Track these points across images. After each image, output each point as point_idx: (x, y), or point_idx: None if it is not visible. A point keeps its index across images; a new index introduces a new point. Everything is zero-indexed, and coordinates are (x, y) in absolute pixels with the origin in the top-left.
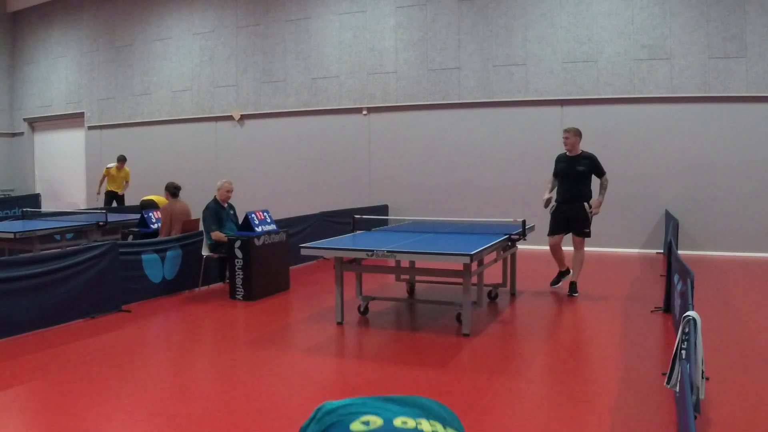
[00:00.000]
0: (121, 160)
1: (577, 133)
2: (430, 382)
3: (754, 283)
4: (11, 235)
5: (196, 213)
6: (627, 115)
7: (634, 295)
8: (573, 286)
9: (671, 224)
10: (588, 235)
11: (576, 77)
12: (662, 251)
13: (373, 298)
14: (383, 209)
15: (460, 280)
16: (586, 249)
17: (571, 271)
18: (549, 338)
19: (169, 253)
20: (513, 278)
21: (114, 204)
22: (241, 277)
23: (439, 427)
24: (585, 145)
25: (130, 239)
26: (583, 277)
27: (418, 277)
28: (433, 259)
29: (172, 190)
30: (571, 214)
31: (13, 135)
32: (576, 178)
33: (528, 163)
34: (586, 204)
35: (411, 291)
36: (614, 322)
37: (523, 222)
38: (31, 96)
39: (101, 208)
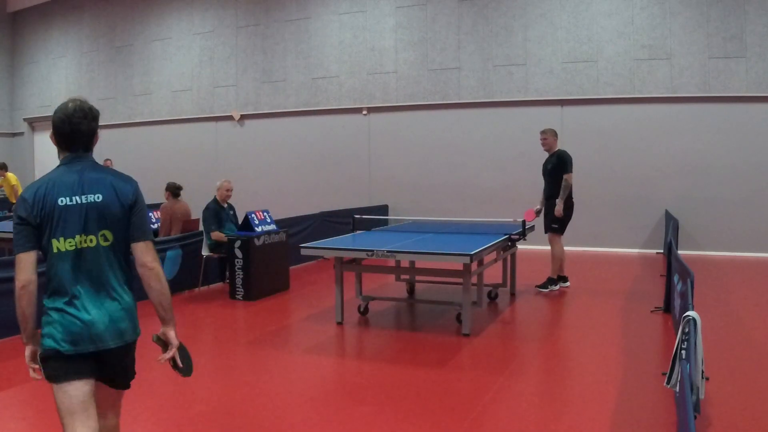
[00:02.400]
0: (1, 167)
1: (554, 133)
2: (430, 382)
3: (754, 283)
4: (11, 235)
5: (196, 213)
6: (627, 115)
7: (634, 295)
8: (546, 282)
9: (671, 224)
10: (554, 230)
11: (576, 77)
12: (662, 251)
13: (373, 298)
14: (383, 209)
15: (460, 280)
16: (591, 248)
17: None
18: (549, 338)
19: (169, 253)
20: (513, 278)
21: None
22: (241, 277)
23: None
24: (586, 145)
25: None
26: (584, 277)
27: (418, 277)
28: (433, 259)
29: (173, 190)
30: (545, 210)
31: (13, 135)
32: (547, 176)
33: (528, 163)
34: (556, 201)
35: (411, 291)
36: (614, 322)
37: (523, 222)
38: (31, 96)
39: None
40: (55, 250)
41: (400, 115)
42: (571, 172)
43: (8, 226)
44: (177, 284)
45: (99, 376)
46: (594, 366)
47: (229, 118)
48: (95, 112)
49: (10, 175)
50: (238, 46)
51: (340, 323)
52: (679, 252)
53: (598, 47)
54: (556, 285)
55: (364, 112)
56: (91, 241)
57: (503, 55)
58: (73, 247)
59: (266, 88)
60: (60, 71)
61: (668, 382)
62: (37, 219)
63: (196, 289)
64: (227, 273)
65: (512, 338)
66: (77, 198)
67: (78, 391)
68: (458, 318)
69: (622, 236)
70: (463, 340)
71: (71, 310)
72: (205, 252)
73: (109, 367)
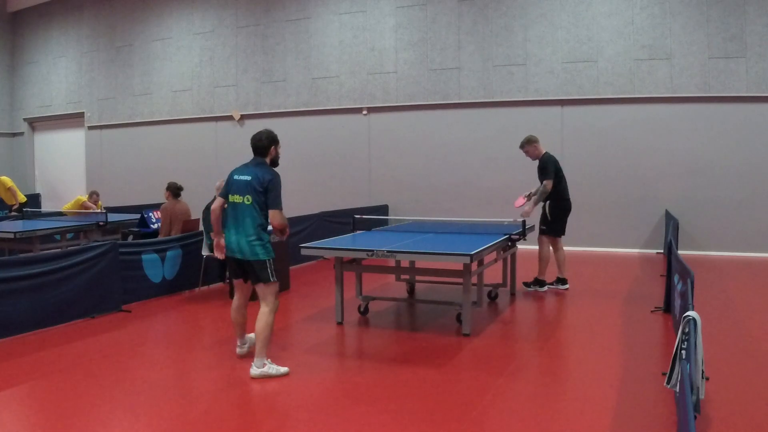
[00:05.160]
0: None
1: (530, 142)
2: (430, 382)
3: (754, 283)
4: (11, 235)
5: (196, 213)
6: (627, 115)
7: (634, 295)
8: (533, 281)
9: (671, 224)
10: (544, 232)
11: (576, 77)
12: (662, 251)
13: (373, 298)
14: (383, 209)
15: (460, 280)
16: (591, 248)
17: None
18: (549, 338)
19: (169, 253)
20: (513, 278)
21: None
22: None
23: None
24: (586, 145)
25: (130, 239)
26: (584, 277)
27: (418, 277)
28: (433, 259)
29: (174, 191)
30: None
31: (13, 135)
32: (539, 180)
33: (528, 163)
34: (547, 203)
35: (411, 291)
36: (614, 322)
37: (523, 222)
38: (31, 96)
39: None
40: (230, 200)
41: (400, 115)
42: (551, 178)
43: (8, 226)
44: (177, 284)
45: (246, 276)
46: (594, 366)
47: (229, 118)
48: (265, 135)
49: (4, 178)
50: (238, 46)
51: (340, 323)
52: (679, 252)
53: (598, 47)
54: (542, 286)
55: (364, 112)
56: (240, 199)
57: (503, 55)
58: (233, 201)
59: (266, 88)
60: (60, 71)
61: (668, 382)
62: (227, 184)
63: (196, 289)
64: (227, 273)
65: (512, 338)
66: (241, 177)
67: (234, 280)
68: (458, 318)
69: (622, 236)
70: (463, 340)
71: (226, 233)
72: (205, 252)
73: (245, 270)
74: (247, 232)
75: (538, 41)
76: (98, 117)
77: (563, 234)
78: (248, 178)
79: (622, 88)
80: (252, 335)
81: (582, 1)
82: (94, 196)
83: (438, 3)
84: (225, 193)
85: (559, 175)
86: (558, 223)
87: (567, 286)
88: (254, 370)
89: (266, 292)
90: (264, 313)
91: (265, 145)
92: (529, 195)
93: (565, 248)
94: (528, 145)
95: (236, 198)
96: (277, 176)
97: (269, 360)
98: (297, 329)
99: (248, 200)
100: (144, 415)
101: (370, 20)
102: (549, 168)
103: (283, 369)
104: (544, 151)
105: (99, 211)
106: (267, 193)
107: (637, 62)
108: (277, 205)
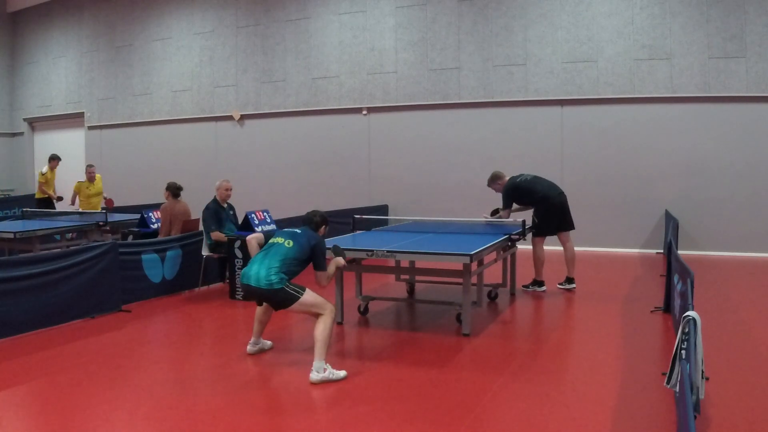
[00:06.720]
0: (54, 159)
1: (494, 179)
2: (430, 382)
3: (754, 283)
4: (11, 235)
5: (196, 213)
6: (627, 115)
7: (634, 295)
8: (531, 282)
9: (671, 224)
10: (534, 233)
11: (576, 77)
12: (662, 251)
13: (373, 298)
14: (383, 209)
15: (460, 280)
16: (591, 248)
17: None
18: (549, 338)
19: (169, 253)
20: (513, 278)
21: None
22: None
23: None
24: (586, 145)
25: (130, 239)
26: (584, 277)
27: (418, 277)
28: (433, 259)
29: (174, 191)
30: None
31: (13, 135)
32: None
33: (528, 163)
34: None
35: (411, 291)
36: (614, 322)
37: (523, 222)
38: (31, 96)
39: (102, 209)
40: (270, 241)
41: (400, 115)
42: (504, 208)
43: (8, 226)
44: (177, 284)
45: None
46: (594, 366)
47: (229, 118)
48: (320, 214)
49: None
50: (238, 46)
51: (340, 323)
52: (679, 252)
53: (598, 47)
54: (541, 286)
55: (364, 112)
56: (282, 240)
57: (503, 55)
58: (274, 241)
59: (266, 88)
60: (60, 71)
61: (668, 382)
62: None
63: (196, 289)
64: (227, 273)
65: (512, 338)
66: (290, 229)
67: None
68: (458, 318)
69: (622, 236)
70: (463, 340)
71: (249, 264)
72: (205, 252)
73: (260, 297)
74: (271, 266)
75: (538, 41)
76: (98, 117)
77: (552, 233)
78: (299, 231)
79: (622, 88)
80: (267, 342)
81: (582, 1)
82: (90, 169)
83: (438, 3)
84: (268, 235)
85: (528, 187)
86: (544, 223)
87: (573, 285)
88: (315, 375)
89: (309, 306)
90: (322, 319)
91: (317, 221)
92: (495, 210)
93: (577, 250)
94: (493, 183)
95: (278, 239)
96: (324, 242)
97: (329, 365)
98: (297, 329)
99: (289, 244)
100: (144, 415)
101: (370, 20)
102: (504, 199)
103: (342, 373)
104: (506, 181)
105: (104, 196)
106: (314, 250)
107: (637, 62)
108: (325, 268)
